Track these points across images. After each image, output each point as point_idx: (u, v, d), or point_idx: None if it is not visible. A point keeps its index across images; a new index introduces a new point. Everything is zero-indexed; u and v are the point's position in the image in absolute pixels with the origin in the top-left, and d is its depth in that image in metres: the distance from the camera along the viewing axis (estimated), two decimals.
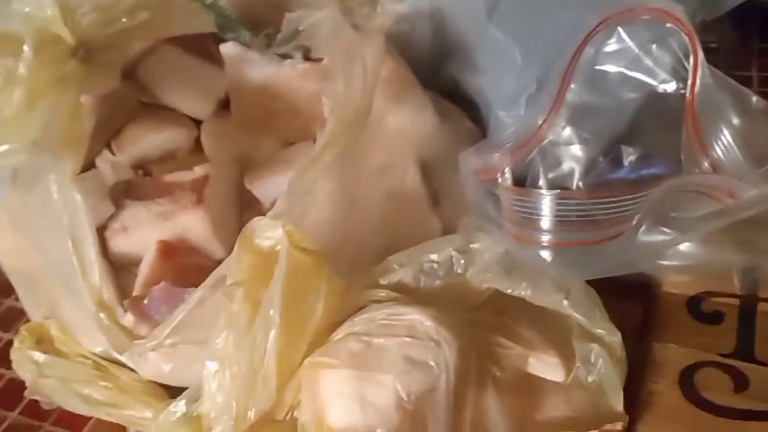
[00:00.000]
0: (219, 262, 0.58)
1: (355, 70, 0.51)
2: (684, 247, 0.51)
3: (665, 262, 0.50)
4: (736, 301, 0.48)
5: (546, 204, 0.44)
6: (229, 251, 0.59)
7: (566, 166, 0.56)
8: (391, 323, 0.42)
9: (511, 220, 0.45)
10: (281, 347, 0.42)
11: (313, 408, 0.41)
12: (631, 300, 0.49)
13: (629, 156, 0.56)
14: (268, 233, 0.45)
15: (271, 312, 0.42)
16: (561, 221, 0.44)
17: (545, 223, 0.44)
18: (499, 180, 0.47)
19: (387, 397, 0.39)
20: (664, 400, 0.43)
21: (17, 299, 0.66)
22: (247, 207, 0.63)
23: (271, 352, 0.41)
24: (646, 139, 0.56)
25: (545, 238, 0.43)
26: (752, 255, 0.49)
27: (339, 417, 0.40)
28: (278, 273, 0.42)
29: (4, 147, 0.47)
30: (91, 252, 0.50)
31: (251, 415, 0.42)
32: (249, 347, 0.42)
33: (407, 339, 0.41)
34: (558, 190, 0.45)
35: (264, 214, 0.59)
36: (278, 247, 0.44)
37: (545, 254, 0.43)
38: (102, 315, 0.50)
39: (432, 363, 0.40)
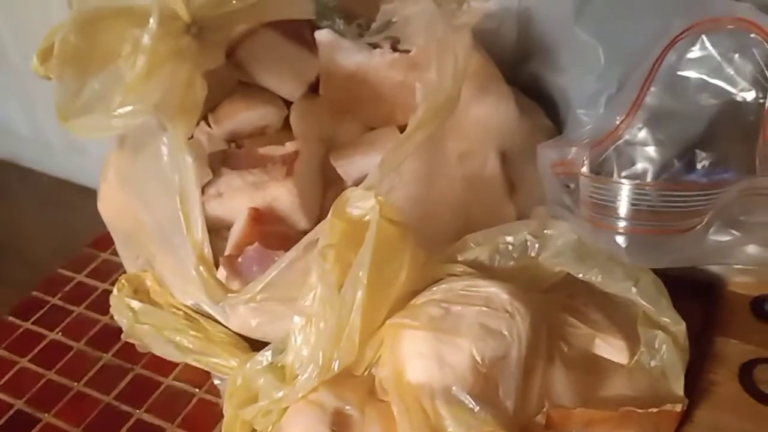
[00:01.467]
0: (301, 233, 0.62)
1: (447, 61, 0.55)
2: (751, 249, 0.52)
3: (731, 263, 0.52)
4: None
5: (624, 192, 0.47)
6: (312, 223, 0.64)
7: (640, 165, 0.58)
8: (469, 294, 0.45)
9: (589, 207, 0.48)
10: (366, 307, 0.45)
11: (393, 364, 0.44)
12: (692, 298, 0.51)
13: (702, 161, 0.58)
14: (359, 203, 0.48)
15: (360, 273, 0.45)
16: (637, 209, 0.46)
17: (622, 210, 0.46)
18: (581, 169, 0.49)
19: (463, 360, 0.42)
20: (722, 391, 0.45)
21: (113, 253, 0.73)
22: (329, 185, 0.67)
23: (357, 310, 0.45)
24: (721, 145, 0.58)
25: (621, 225, 0.46)
26: None
27: (418, 374, 0.43)
28: (368, 239, 0.46)
29: (129, 108, 0.52)
30: (197, 210, 0.55)
31: (335, 366, 0.46)
32: (337, 304, 0.46)
33: (484, 309, 0.44)
34: (636, 180, 0.47)
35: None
36: (368, 217, 0.48)
37: (620, 240, 0.46)
38: (202, 268, 0.54)
39: (506, 332, 0.43)
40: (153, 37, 0.53)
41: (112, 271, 0.71)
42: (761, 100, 0.57)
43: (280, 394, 0.47)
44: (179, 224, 0.56)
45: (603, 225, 0.46)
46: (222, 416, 0.55)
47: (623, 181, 0.48)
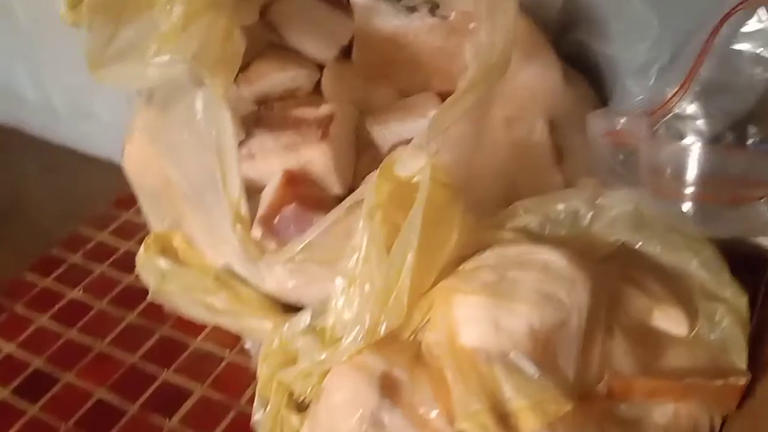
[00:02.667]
0: (334, 197, 0.60)
1: (497, 22, 0.53)
2: None
3: None
4: None
5: (693, 157, 0.45)
6: (345, 188, 0.62)
7: (689, 139, 0.57)
8: (525, 259, 0.44)
9: (653, 174, 0.46)
10: (415, 269, 0.44)
11: (446, 329, 0.43)
12: (745, 272, 0.50)
13: (753, 136, 0.56)
14: (408, 163, 0.46)
15: (411, 235, 0.44)
16: (707, 176, 0.45)
17: (690, 176, 0.44)
18: (642, 136, 0.48)
19: (520, 325, 0.41)
20: None
21: (137, 213, 0.70)
22: (362, 151, 0.66)
23: (407, 272, 0.43)
24: None
25: (688, 191, 0.44)
26: None
27: (472, 339, 0.41)
28: (419, 200, 0.44)
29: (165, 57, 0.50)
30: (234, 167, 0.53)
31: (382, 329, 0.44)
32: (386, 265, 0.44)
33: (542, 274, 0.42)
34: (714, 144, 0.46)
35: (381, 159, 0.61)
36: (416, 178, 0.46)
37: (686, 207, 0.44)
38: (239, 226, 0.52)
39: (565, 299, 0.41)
40: None
41: (135, 231, 0.69)
42: None
43: (323, 357, 0.45)
44: (214, 182, 0.54)
45: (669, 192, 0.45)
46: (253, 379, 0.54)
47: (692, 145, 0.46)
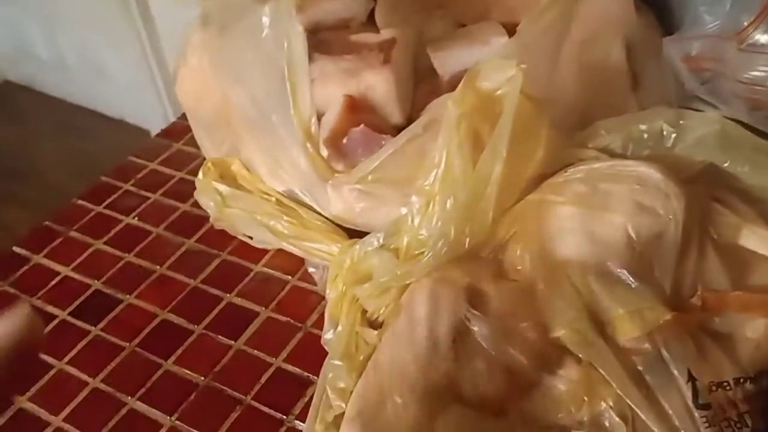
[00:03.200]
0: (395, 127, 0.59)
1: None
2: None
3: None
4: None
5: None
6: (405, 117, 0.60)
7: (761, 72, 0.55)
8: (617, 172, 0.42)
9: (748, 87, 0.45)
10: (502, 183, 0.42)
11: (537, 240, 0.42)
12: None
13: None
14: (493, 75, 0.45)
15: (499, 146, 0.42)
16: None
17: None
18: (739, 46, 0.46)
19: (617, 235, 0.40)
20: None
21: (187, 143, 0.69)
22: (420, 81, 0.64)
23: (495, 184, 0.42)
24: None
25: None
26: None
27: (567, 250, 0.40)
28: (507, 111, 0.43)
29: None
30: (305, 82, 0.51)
31: (467, 242, 0.43)
32: (473, 178, 0.43)
33: (636, 186, 0.41)
34: None
35: (440, 90, 0.60)
36: (500, 90, 0.45)
37: None
38: (309, 145, 0.51)
39: (661, 211, 0.40)
40: None
41: (187, 160, 0.67)
42: None
43: (403, 270, 0.44)
44: (281, 99, 0.53)
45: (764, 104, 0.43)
46: (318, 304, 0.53)
47: None
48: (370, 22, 0.68)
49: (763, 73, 0.45)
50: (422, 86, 0.64)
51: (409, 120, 0.57)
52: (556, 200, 0.42)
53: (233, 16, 0.58)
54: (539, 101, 0.45)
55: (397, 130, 0.54)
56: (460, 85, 0.46)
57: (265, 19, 0.53)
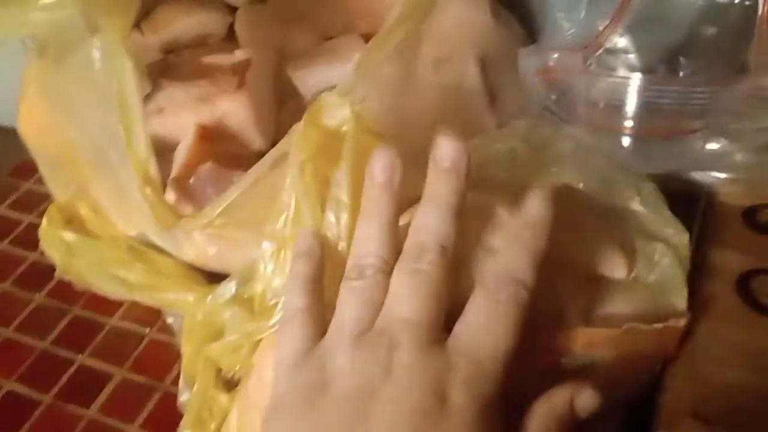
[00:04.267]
0: (256, 153, 0.56)
1: None
2: (741, 156, 0.50)
3: (722, 172, 0.50)
4: None
5: (633, 89, 0.43)
6: (268, 142, 0.57)
7: (621, 74, 0.55)
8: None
9: (589, 109, 0.44)
10: (351, 228, 0.40)
11: None
12: (679, 208, 0.49)
13: (684, 68, 0.55)
14: (335, 112, 0.42)
15: (340, 194, 0.40)
16: (645, 108, 0.43)
17: (629, 109, 0.42)
18: (581, 68, 0.45)
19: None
20: (721, 304, 0.44)
21: (37, 182, 0.64)
22: (283, 101, 0.61)
23: (343, 230, 0.40)
24: (705, 52, 0.55)
25: (627, 125, 0.42)
26: None
27: None
28: (347, 154, 0.41)
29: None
30: (139, 122, 0.47)
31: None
32: (322, 225, 0.40)
33: (483, 227, 0.40)
34: (650, 75, 0.44)
35: (303, 109, 0.57)
36: (345, 127, 0.42)
37: (624, 141, 0.42)
38: (148, 190, 0.47)
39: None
40: None
41: (38, 201, 0.62)
42: (747, 3, 0.55)
43: (252, 327, 0.42)
44: (118, 140, 0.48)
45: (605, 127, 0.43)
46: (178, 357, 0.50)
47: (627, 77, 0.44)
48: (230, 37, 0.64)
49: (599, 95, 0.44)
50: (287, 106, 0.61)
51: (274, 144, 0.54)
52: None
53: (67, 48, 0.53)
54: (384, 137, 0.43)
55: (262, 155, 0.51)
56: (302, 124, 0.43)
57: (96, 53, 0.49)
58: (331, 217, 0.40)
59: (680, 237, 0.43)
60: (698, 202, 0.50)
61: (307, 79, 0.58)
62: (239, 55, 0.57)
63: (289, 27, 0.64)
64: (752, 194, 0.50)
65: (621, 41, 0.55)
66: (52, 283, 0.55)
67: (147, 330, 0.52)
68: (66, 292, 0.54)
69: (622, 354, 0.40)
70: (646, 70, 0.55)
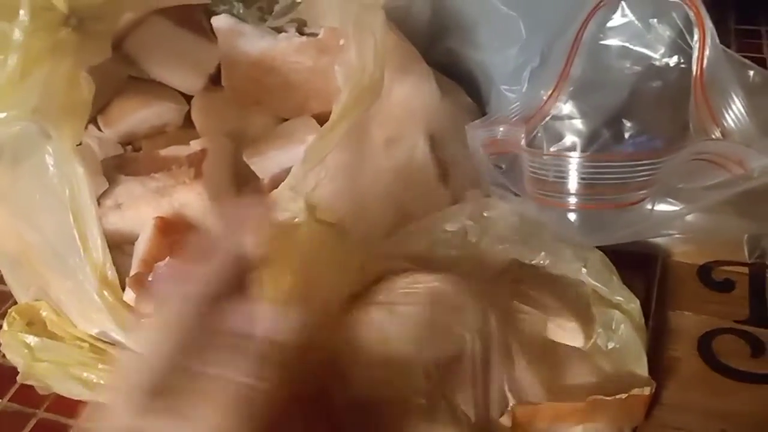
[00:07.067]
0: None
1: (365, 41, 0.50)
2: (691, 217, 0.51)
3: (674, 233, 0.51)
4: (745, 269, 0.49)
5: (575, 166, 0.44)
6: None
7: (568, 139, 0.56)
8: (412, 291, 0.41)
9: (534, 184, 0.45)
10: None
11: None
12: (633, 272, 0.49)
13: (629, 130, 0.56)
14: (288, 205, 0.43)
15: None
16: (589, 183, 0.44)
17: (573, 185, 0.43)
18: (521, 145, 0.46)
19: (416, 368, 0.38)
20: (685, 367, 0.44)
21: (1, 282, 0.63)
22: (243, 185, 0.62)
23: None
24: (647, 112, 0.57)
25: (572, 201, 0.43)
26: (758, 224, 0.50)
27: None
28: (299, 248, 0.41)
29: (2, 114, 0.45)
30: (94, 227, 0.47)
31: None
32: None
33: (429, 305, 0.40)
34: (588, 153, 0.45)
35: (262, 191, 0.58)
36: (297, 219, 0.43)
37: (571, 216, 0.43)
38: (106, 293, 0.47)
39: (456, 329, 0.39)
40: (25, 31, 0.45)
41: (2, 301, 0.62)
42: (683, 65, 0.57)
43: None
44: (75, 244, 0.49)
45: (551, 202, 0.43)
46: None
47: (576, 154, 0.45)
48: (188, 125, 0.65)
49: (533, 175, 0.45)
50: (247, 190, 0.61)
51: None
52: (358, 335, 0.40)
53: (23, 152, 0.54)
54: (337, 226, 0.44)
55: None
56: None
57: (49, 159, 0.49)
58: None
59: (631, 303, 0.44)
60: (656, 263, 0.51)
61: (264, 163, 0.59)
62: (195, 145, 0.58)
63: (245, 111, 0.65)
64: (706, 252, 0.51)
65: (566, 108, 0.57)
66: (16, 387, 0.54)
67: None
68: (31, 394, 0.53)
69: (590, 426, 0.40)
70: (592, 135, 0.56)
